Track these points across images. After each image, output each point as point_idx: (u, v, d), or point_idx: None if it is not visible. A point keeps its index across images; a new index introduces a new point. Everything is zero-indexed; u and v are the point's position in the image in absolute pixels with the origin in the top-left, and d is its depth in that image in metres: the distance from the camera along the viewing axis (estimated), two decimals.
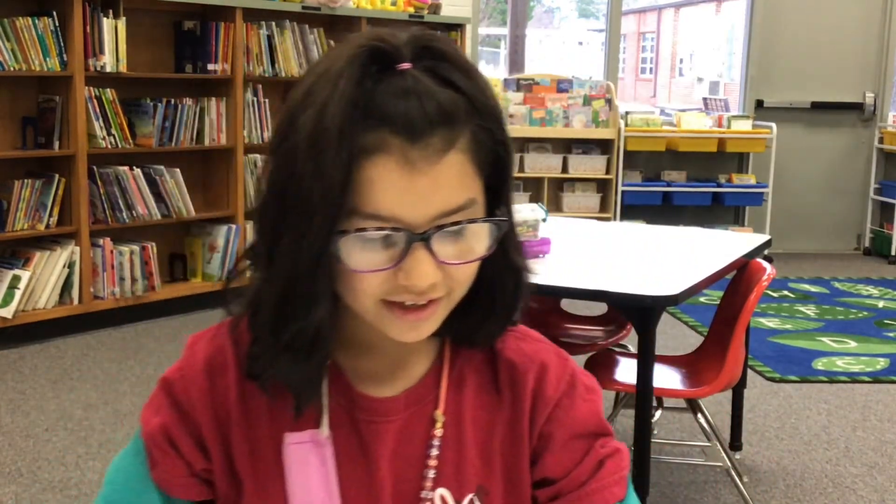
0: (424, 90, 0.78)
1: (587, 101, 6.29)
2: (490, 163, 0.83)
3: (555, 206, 6.26)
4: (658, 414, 3.09)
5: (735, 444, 3.17)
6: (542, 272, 2.38)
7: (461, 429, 0.92)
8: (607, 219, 6.07)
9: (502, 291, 0.89)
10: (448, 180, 0.79)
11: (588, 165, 6.23)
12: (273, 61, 5.01)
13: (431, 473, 0.90)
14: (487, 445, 0.93)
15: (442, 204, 0.79)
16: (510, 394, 0.93)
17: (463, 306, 0.88)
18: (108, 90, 4.35)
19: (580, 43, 18.76)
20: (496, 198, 0.85)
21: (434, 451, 0.91)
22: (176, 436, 0.90)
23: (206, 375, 0.90)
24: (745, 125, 6.39)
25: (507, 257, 0.88)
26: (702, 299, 5.14)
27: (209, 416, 0.90)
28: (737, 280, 2.75)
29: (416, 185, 0.78)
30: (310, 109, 0.79)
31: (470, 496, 0.91)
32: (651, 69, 19.95)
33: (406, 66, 0.80)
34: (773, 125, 6.36)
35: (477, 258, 0.84)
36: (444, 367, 0.93)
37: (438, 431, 0.91)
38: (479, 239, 0.83)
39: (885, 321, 4.90)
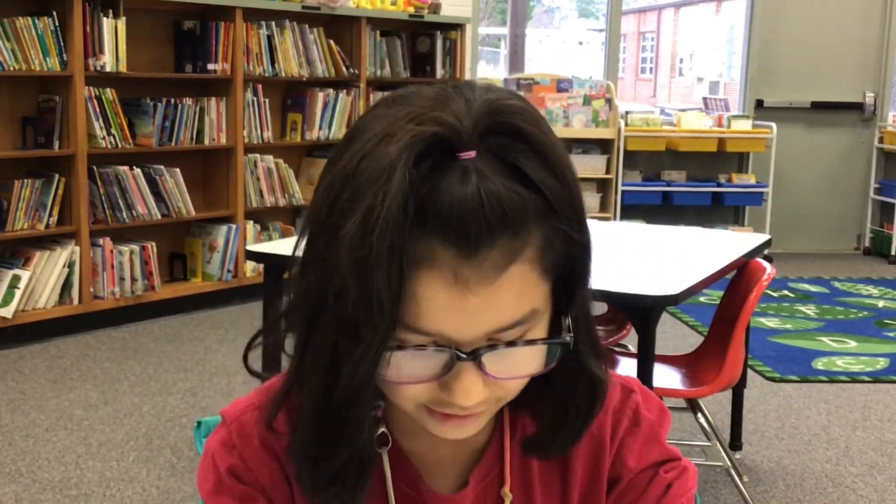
0: (487, 188, 0.65)
1: (587, 100, 6.29)
2: (563, 265, 0.71)
3: None
4: None
5: (735, 443, 3.17)
6: None
7: (531, 499, 0.86)
8: (607, 218, 6.07)
9: (574, 403, 0.78)
10: (506, 298, 0.68)
11: (588, 165, 6.23)
12: (273, 61, 5.01)
13: None
14: None
15: (496, 322, 0.68)
16: (585, 450, 0.86)
17: (529, 413, 0.80)
18: (108, 90, 4.35)
19: (580, 43, 18.75)
20: (568, 298, 0.74)
21: None
22: None
23: (271, 457, 0.80)
24: (745, 125, 6.39)
25: (580, 365, 0.77)
26: (702, 299, 5.14)
27: (287, 494, 0.81)
28: (737, 280, 2.75)
29: (466, 304, 0.67)
30: (353, 216, 0.66)
31: None
32: (651, 69, 19.93)
33: (469, 154, 0.66)
34: (773, 125, 6.36)
35: (530, 375, 0.73)
36: (506, 439, 0.84)
37: None
38: (536, 355, 0.72)
39: (885, 321, 4.90)
